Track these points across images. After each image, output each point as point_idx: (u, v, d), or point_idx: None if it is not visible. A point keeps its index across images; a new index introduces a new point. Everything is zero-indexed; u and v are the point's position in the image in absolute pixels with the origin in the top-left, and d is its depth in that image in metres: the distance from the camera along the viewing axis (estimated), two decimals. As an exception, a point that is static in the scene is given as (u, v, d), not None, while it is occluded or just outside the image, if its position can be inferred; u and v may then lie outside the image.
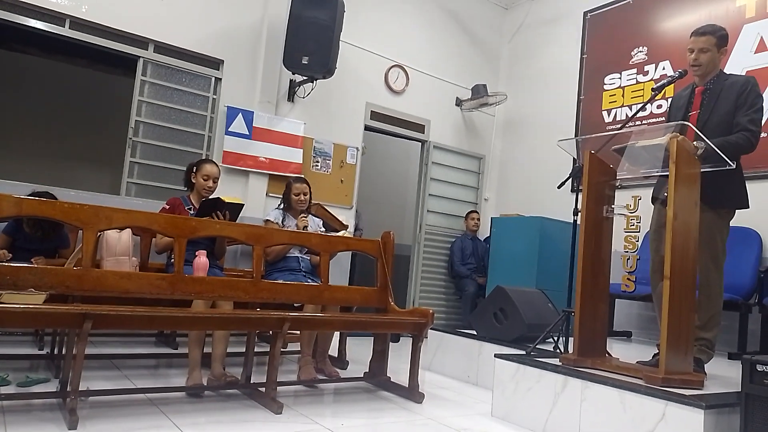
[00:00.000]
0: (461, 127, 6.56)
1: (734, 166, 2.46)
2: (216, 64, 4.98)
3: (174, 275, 2.79)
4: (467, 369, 3.75)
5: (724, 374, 2.82)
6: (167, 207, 3.28)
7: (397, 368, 3.41)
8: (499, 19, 6.90)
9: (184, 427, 2.26)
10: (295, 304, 3.28)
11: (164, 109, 4.79)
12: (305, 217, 3.70)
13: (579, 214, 2.72)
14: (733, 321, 3.81)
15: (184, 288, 2.78)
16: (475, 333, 3.82)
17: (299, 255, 3.55)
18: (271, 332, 2.75)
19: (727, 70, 2.92)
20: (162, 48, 4.74)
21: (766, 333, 3.70)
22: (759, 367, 2.00)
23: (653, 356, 2.70)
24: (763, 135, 4.00)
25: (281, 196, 3.83)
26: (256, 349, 3.03)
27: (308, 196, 3.73)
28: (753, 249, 4.06)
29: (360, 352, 3.88)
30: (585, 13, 5.94)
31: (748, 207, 2.74)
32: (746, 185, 2.74)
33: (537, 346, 3.05)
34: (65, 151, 6.51)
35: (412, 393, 3.08)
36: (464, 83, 6.44)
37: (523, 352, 3.03)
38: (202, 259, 2.98)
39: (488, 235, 5.72)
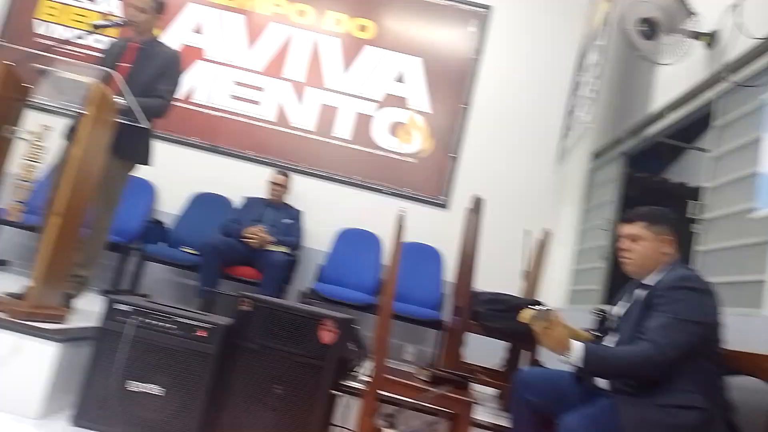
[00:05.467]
0: None
1: (148, 126, 2.70)
2: None
3: None
4: None
5: (94, 310, 3.01)
6: None
7: None
8: None
9: None
10: None
11: None
12: None
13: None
14: (114, 261, 4.15)
15: None
16: None
17: None
18: None
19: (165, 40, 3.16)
20: None
21: (138, 275, 4.22)
22: (115, 306, 2.26)
23: (28, 289, 2.62)
24: (183, 106, 4.60)
25: None
26: None
27: None
28: (145, 199, 4.58)
29: None
30: None
31: (151, 165, 3.04)
32: (153, 144, 3.04)
33: None
34: None
35: None
36: None
37: None
38: None
39: None
